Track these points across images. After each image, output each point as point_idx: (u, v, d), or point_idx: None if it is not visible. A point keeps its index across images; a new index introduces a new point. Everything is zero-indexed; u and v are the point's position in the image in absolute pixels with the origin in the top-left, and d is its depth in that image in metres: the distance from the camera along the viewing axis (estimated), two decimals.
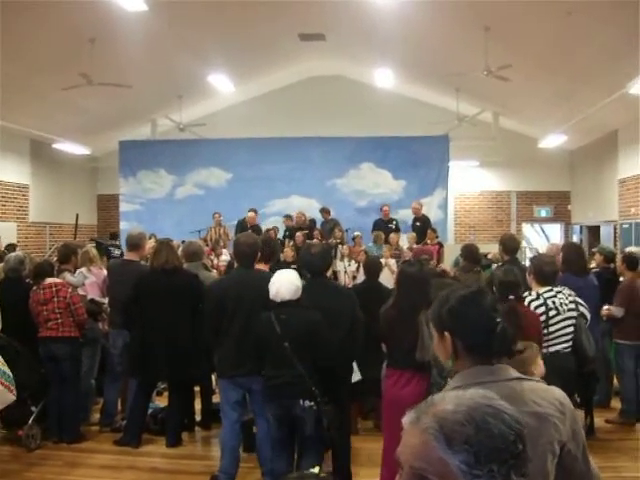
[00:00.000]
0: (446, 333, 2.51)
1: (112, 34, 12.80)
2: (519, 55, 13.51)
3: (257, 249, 6.49)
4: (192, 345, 7.33)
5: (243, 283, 6.22)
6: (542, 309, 6.01)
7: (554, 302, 6.04)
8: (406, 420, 1.51)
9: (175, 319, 7.38)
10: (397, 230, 16.88)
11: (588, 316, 6.36)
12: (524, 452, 1.46)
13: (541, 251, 16.98)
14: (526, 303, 6.03)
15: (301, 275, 5.98)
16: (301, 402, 5.47)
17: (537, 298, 6.07)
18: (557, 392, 2.53)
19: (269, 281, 5.77)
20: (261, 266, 6.70)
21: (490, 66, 12.94)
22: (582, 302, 6.32)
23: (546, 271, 6.30)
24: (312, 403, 5.45)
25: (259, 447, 6.32)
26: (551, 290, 6.12)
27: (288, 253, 13.09)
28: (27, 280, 8.23)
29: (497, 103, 18.51)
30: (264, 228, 16.66)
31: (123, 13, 11.47)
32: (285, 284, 5.68)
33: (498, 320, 2.51)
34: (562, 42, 12.77)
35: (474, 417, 1.43)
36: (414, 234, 16.13)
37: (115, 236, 17.53)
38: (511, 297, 5.71)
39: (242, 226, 16.25)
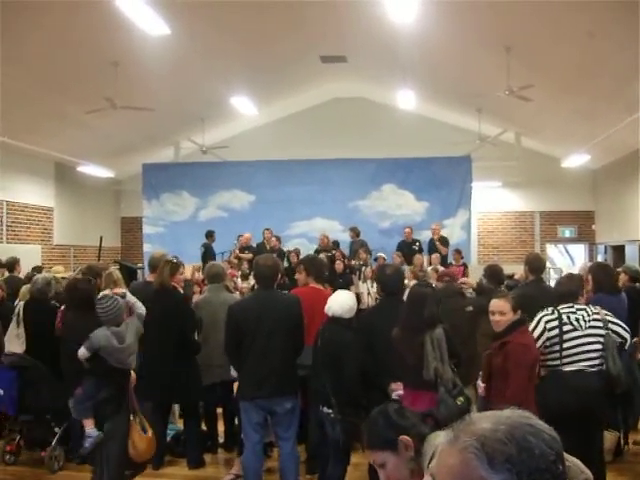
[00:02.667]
0: None
1: (135, 58, 12.93)
2: (541, 75, 13.50)
3: (277, 270, 6.57)
4: (182, 368, 7.41)
5: (264, 305, 6.23)
6: (555, 323, 5.95)
7: (569, 317, 5.97)
8: (443, 439, 1.48)
9: (167, 341, 7.38)
10: (421, 251, 16.87)
11: (626, 335, 6.13)
12: (563, 473, 1.43)
13: (564, 271, 16.92)
14: (538, 318, 6.00)
15: None
16: (322, 408, 5.98)
17: (552, 313, 6.03)
18: None
19: (290, 303, 6.13)
20: (313, 284, 7.26)
21: (512, 86, 12.93)
22: (618, 322, 6.16)
23: (560, 290, 6.30)
24: (330, 411, 5.86)
25: (282, 469, 6.30)
26: (571, 307, 6.07)
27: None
28: (52, 302, 8.28)
29: (519, 123, 18.49)
30: (286, 250, 16.74)
31: (146, 37, 11.58)
32: (339, 301, 6.23)
33: None
34: (583, 62, 12.76)
35: (515, 436, 1.39)
36: (437, 255, 16.09)
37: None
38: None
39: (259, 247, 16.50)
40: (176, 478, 7.51)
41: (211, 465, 7.94)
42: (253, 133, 20.89)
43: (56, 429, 7.74)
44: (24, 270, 12.21)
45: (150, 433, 6.29)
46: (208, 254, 16.33)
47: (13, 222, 17.48)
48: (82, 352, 6.07)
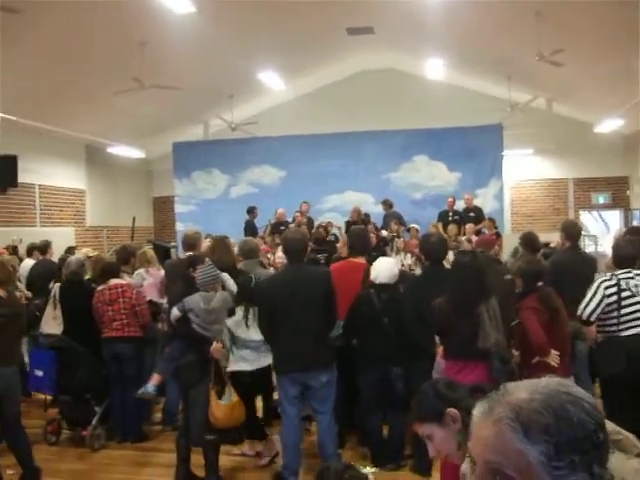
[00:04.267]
0: None
1: (162, 37, 12.91)
2: (572, 39, 13.29)
3: (306, 243, 6.67)
4: None
5: (295, 279, 6.21)
6: (614, 289, 5.89)
7: (628, 283, 5.90)
8: (477, 411, 1.43)
9: None
10: (457, 221, 16.75)
11: None
12: (605, 442, 1.37)
13: (599, 238, 16.74)
14: (597, 283, 5.93)
15: None
16: (394, 369, 6.57)
17: (610, 279, 5.95)
18: None
19: (321, 276, 6.43)
20: (357, 259, 7.43)
21: (542, 51, 12.75)
22: None
23: (623, 254, 6.18)
24: (400, 369, 6.55)
25: (321, 443, 6.30)
26: (629, 272, 5.98)
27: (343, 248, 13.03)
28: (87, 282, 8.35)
29: (550, 89, 18.24)
30: (316, 224, 16.69)
31: (172, 16, 11.58)
32: (384, 270, 6.70)
33: None
34: (614, 24, 12.50)
35: (552, 405, 1.33)
36: (472, 225, 15.99)
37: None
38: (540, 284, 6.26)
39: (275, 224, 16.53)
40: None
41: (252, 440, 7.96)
42: (282, 108, 20.81)
43: (96, 408, 7.84)
44: (57, 253, 12.29)
45: (234, 401, 6.43)
46: (249, 230, 16.31)
47: (46, 205, 17.60)
48: (174, 312, 6.52)
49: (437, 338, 5.98)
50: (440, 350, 5.91)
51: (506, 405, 1.36)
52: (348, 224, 16.01)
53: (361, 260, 7.46)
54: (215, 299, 6.38)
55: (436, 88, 19.21)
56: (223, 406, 6.33)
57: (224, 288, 6.78)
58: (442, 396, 3.18)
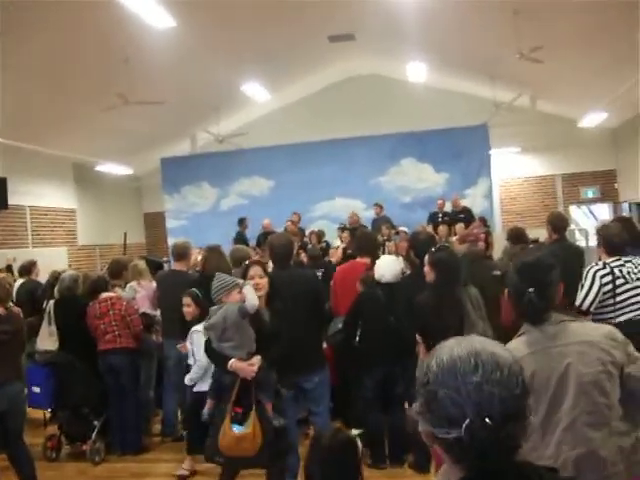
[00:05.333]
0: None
1: (145, 53, 12.95)
2: (551, 35, 13.36)
3: (292, 248, 6.71)
4: None
5: (282, 283, 6.20)
6: (609, 278, 5.94)
7: (621, 271, 5.97)
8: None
9: None
10: (446, 222, 16.82)
11: None
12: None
13: (590, 232, 16.80)
14: (592, 273, 5.99)
15: None
16: (397, 367, 6.65)
17: (604, 267, 6.01)
18: (607, 328, 3.22)
19: (310, 278, 6.57)
20: (363, 259, 7.54)
21: (522, 49, 12.84)
22: None
23: (615, 242, 6.24)
24: (400, 367, 6.57)
25: None
26: (619, 260, 6.06)
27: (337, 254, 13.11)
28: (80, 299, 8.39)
29: (533, 87, 18.32)
30: (307, 232, 16.78)
31: (153, 31, 11.63)
32: (389, 269, 6.82)
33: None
34: (593, 18, 12.61)
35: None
36: (462, 225, 16.06)
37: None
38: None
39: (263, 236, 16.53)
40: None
41: None
42: (268, 118, 20.88)
43: (95, 422, 7.86)
44: (43, 273, 12.26)
45: (246, 431, 5.47)
46: (240, 241, 16.36)
47: (37, 226, 17.61)
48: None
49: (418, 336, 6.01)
50: (421, 348, 5.95)
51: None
52: (342, 229, 16.05)
53: (366, 260, 7.56)
54: (216, 315, 5.68)
55: (420, 91, 19.29)
56: (228, 436, 5.46)
57: None
58: None
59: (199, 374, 6.72)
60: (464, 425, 1.54)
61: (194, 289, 7.16)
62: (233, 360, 5.53)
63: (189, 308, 7.04)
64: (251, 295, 5.66)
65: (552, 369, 3.05)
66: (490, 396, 1.55)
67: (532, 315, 3.20)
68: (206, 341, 5.79)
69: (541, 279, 3.21)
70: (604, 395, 3.01)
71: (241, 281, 5.80)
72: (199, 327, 6.42)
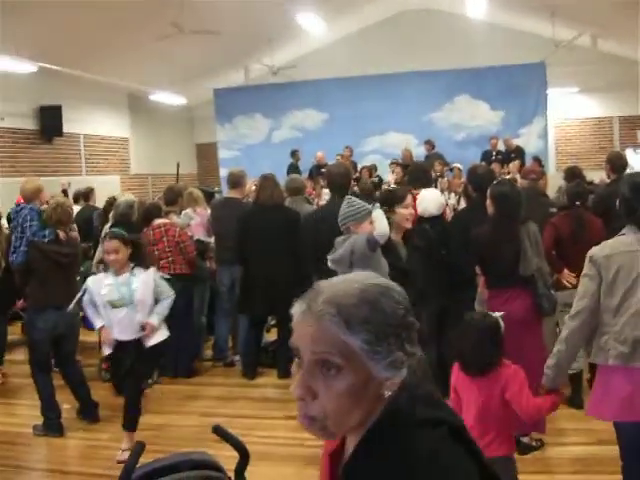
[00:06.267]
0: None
1: None
2: None
3: (350, 177, 6.65)
4: (293, 281, 7.21)
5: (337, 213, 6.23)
6: None
7: None
8: (297, 310, 1.55)
9: (278, 254, 7.47)
10: (499, 161, 16.64)
11: None
12: (413, 323, 1.58)
13: None
14: None
15: None
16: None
17: None
18: None
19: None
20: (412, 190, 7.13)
21: None
22: None
23: None
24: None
25: None
26: None
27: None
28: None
29: (595, 25, 17.84)
30: (360, 166, 16.75)
31: None
32: (432, 201, 6.45)
33: None
34: None
35: (367, 298, 1.51)
36: (517, 163, 15.83)
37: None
38: (577, 203, 6.55)
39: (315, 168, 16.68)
40: (267, 387, 7.77)
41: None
42: (322, 51, 20.65)
43: None
44: (99, 200, 12.48)
45: None
46: (292, 173, 16.37)
47: (91, 154, 17.79)
48: None
49: (478, 269, 5.98)
50: (481, 280, 5.94)
51: (326, 302, 1.50)
52: (396, 164, 15.95)
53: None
54: (342, 246, 5.19)
55: (478, 27, 18.89)
56: None
57: None
58: None
59: None
60: None
61: (116, 229, 6.45)
62: None
63: (116, 255, 5.87)
64: (381, 222, 5.20)
65: (634, 267, 3.82)
66: None
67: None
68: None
69: None
70: None
71: (375, 208, 5.35)
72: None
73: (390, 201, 5.86)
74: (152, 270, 6.21)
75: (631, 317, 3.77)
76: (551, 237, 6.47)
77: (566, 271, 6.35)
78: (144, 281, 6.01)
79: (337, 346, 1.47)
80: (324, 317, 1.48)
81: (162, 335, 6.23)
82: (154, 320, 6.06)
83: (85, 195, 12.27)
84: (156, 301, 6.14)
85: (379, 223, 5.09)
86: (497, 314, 4.13)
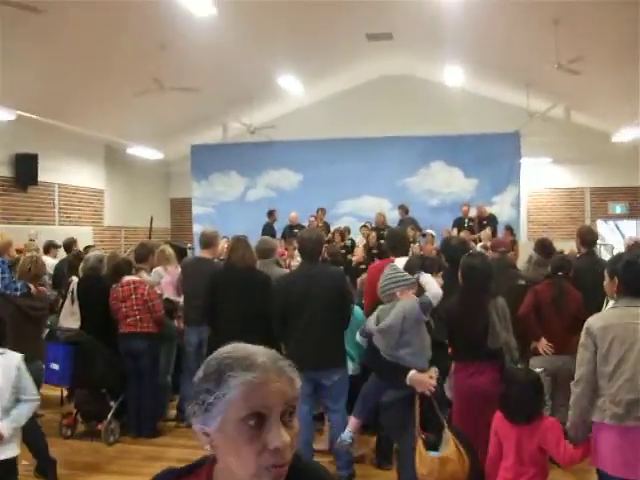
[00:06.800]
0: (615, 278, 4.37)
1: (182, 39, 13.00)
2: (590, 47, 13.27)
3: (321, 244, 6.67)
4: (260, 344, 7.20)
5: (309, 278, 6.30)
6: None
7: None
8: (259, 373, 1.65)
9: (247, 316, 7.43)
10: (470, 229, 16.77)
11: None
12: None
13: (615, 248, 16.68)
14: None
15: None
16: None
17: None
18: None
19: (336, 275, 6.51)
20: (392, 257, 6.98)
21: (561, 60, 12.77)
22: None
23: None
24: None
25: (334, 441, 6.26)
26: None
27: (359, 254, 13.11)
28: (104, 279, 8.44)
29: (568, 97, 18.19)
30: (332, 229, 16.83)
31: (193, 18, 11.66)
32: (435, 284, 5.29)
33: None
34: (633, 31, 12.47)
35: None
36: (488, 231, 15.95)
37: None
38: (560, 273, 6.86)
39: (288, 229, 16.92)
40: None
41: None
42: (301, 112, 20.90)
43: (111, 403, 7.91)
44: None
45: (446, 453, 4.63)
46: (268, 233, 16.37)
47: (65, 204, 17.75)
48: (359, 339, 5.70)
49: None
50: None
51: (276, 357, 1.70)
52: (370, 229, 16.02)
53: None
54: (390, 315, 4.90)
55: (455, 95, 19.22)
56: (429, 459, 4.60)
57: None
58: None
59: None
60: None
61: None
62: (413, 372, 4.79)
63: None
64: (432, 285, 5.00)
65: (627, 338, 4.13)
66: None
67: (632, 295, 4.26)
68: (369, 350, 5.11)
69: None
70: None
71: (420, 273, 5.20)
72: None
73: (429, 269, 5.78)
74: (18, 357, 4.95)
75: (625, 382, 4.11)
76: (531, 303, 6.74)
77: (543, 340, 6.62)
78: (2, 365, 4.83)
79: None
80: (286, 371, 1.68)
81: (12, 451, 4.86)
82: (5, 428, 4.75)
83: (67, 245, 12.33)
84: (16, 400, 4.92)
85: (431, 286, 5.03)
86: (538, 370, 4.84)
